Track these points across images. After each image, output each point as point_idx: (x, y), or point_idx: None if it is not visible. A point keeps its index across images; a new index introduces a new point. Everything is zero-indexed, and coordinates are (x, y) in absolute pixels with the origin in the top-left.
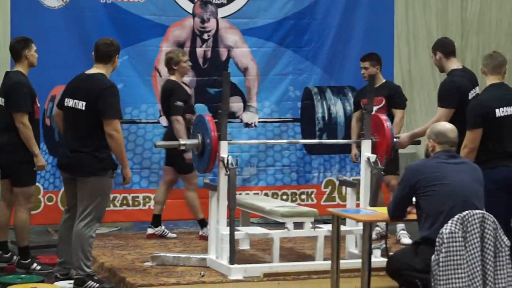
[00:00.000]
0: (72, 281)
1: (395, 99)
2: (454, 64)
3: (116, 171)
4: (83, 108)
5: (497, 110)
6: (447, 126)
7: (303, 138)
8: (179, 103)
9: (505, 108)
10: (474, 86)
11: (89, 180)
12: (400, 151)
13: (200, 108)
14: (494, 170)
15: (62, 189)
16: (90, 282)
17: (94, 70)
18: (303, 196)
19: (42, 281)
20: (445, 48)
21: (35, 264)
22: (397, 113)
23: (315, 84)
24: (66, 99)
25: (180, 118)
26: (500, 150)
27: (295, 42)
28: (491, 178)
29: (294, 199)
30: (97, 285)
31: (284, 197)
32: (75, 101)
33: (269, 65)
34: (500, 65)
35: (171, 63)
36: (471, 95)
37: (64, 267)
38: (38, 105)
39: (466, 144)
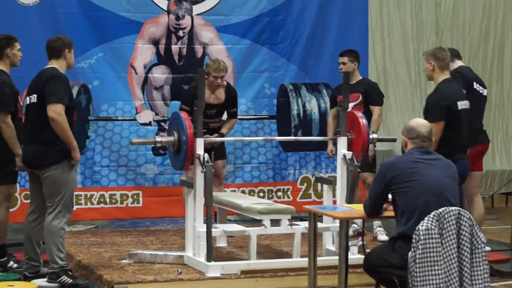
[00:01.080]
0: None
1: (372, 96)
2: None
3: (73, 161)
4: (35, 101)
5: (458, 103)
6: (418, 121)
7: (279, 135)
8: None
9: (463, 101)
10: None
11: (49, 173)
12: (377, 148)
13: (176, 105)
14: (456, 163)
15: None
16: (64, 277)
17: (46, 66)
18: (279, 193)
19: (19, 279)
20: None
21: (11, 262)
22: (375, 110)
23: (290, 81)
24: (26, 99)
25: None
26: (459, 143)
27: (270, 39)
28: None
29: (270, 196)
30: (71, 280)
31: (261, 194)
32: (30, 96)
33: (244, 62)
34: (450, 60)
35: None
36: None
37: (32, 264)
38: (22, 103)
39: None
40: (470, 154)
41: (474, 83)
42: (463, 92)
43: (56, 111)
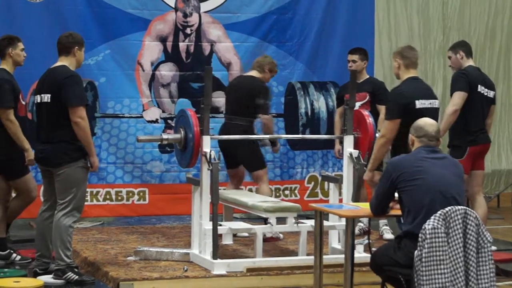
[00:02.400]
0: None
1: (379, 95)
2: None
3: (87, 161)
4: (49, 101)
5: (417, 102)
6: (426, 121)
7: (287, 133)
8: None
9: (423, 100)
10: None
11: (63, 171)
12: None
13: (183, 103)
14: None
15: None
16: (70, 273)
17: (57, 63)
18: (287, 192)
19: (25, 275)
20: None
21: (14, 255)
22: (382, 109)
23: (298, 79)
24: (36, 97)
25: None
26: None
27: (278, 37)
28: None
29: (278, 194)
30: (76, 277)
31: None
32: (42, 95)
33: (252, 60)
34: (417, 59)
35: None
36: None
37: (43, 261)
38: (23, 102)
39: (384, 134)
40: (470, 154)
41: (479, 85)
42: (429, 91)
43: (80, 115)
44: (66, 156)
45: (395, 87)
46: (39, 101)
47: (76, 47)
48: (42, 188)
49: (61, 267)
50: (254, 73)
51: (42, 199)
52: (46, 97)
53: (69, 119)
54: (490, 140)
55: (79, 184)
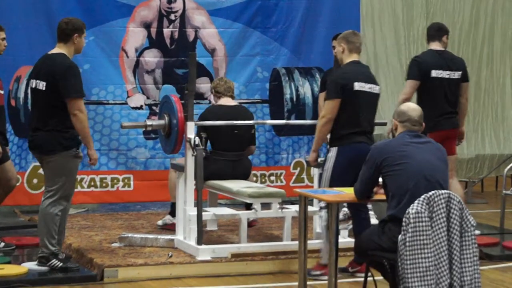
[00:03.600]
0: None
1: None
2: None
3: (79, 151)
4: (43, 88)
5: (355, 83)
6: (409, 106)
7: (272, 119)
8: None
9: (362, 83)
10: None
11: (53, 159)
12: None
13: (168, 89)
14: (348, 146)
15: (28, 170)
16: (54, 260)
17: (55, 50)
18: (272, 178)
19: (9, 262)
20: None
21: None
22: None
23: (283, 65)
24: (31, 81)
25: None
26: (355, 126)
27: (262, 23)
28: (345, 154)
29: (263, 180)
30: (61, 264)
31: (254, 178)
32: (37, 81)
33: (236, 46)
34: (361, 44)
35: None
36: None
37: None
38: (1, 92)
39: (324, 114)
40: (435, 139)
41: (434, 70)
42: (370, 76)
43: (78, 107)
44: (58, 144)
45: (335, 69)
46: (33, 86)
47: (76, 34)
48: (30, 176)
49: (45, 254)
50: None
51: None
52: (41, 85)
53: (63, 108)
54: (457, 125)
55: (69, 173)
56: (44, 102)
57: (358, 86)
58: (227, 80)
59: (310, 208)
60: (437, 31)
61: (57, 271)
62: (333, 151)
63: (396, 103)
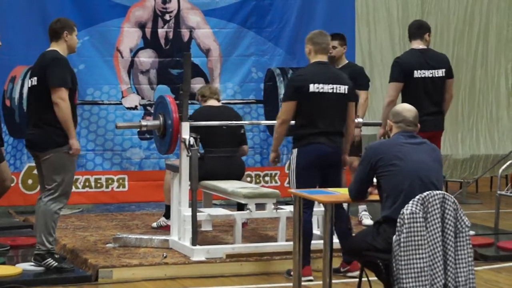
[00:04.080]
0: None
1: (358, 80)
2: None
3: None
4: (36, 83)
5: (311, 85)
6: (404, 106)
7: (266, 119)
8: None
9: (321, 85)
10: None
11: (48, 156)
12: (362, 132)
13: (163, 90)
14: (307, 147)
15: (23, 171)
16: (49, 259)
17: (48, 49)
18: (267, 178)
19: (4, 263)
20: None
21: None
22: (361, 94)
23: (277, 65)
24: (28, 81)
25: None
26: (313, 127)
27: (257, 23)
28: (304, 155)
29: (258, 181)
30: (56, 263)
31: (248, 179)
32: (31, 79)
33: (231, 46)
34: (328, 45)
35: None
36: None
37: None
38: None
39: (279, 115)
40: None
41: (416, 71)
42: (331, 76)
43: (60, 96)
44: (51, 141)
45: (297, 71)
46: (29, 85)
47: (66, 32)
48: (24, 177)
49: (41, 252)
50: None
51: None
52: (34, 80)
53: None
54: (442, 126)
55: (66, 169)
56: (37, 98)
57: (314, 87)
58: (211, 86)
59: None
60: (417, 29)
61: (51, 271)
62: (294, 153)
63: (383, 106)
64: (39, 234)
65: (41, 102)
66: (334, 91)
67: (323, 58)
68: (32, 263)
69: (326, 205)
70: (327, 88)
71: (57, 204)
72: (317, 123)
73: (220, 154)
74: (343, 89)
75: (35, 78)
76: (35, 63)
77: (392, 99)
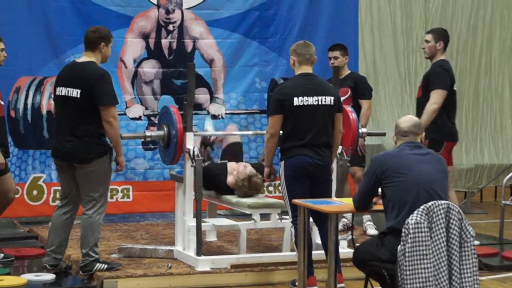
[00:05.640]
0: (39, 274)
1: (360, 89)
2: None
3: (113, 157)
4: (78, 96)
5: (295, 98)
6: (404, 118)
7: None
8: None
9: (305, 97)
10: None
11: (91, 167)
12: (366, 142)
13: (166, 100)
14: (292, 159)
15: (28, 182)
16: (97, 265)
17: (83, 58)
18: (271, 188)
19: (9, 273)
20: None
21: None
22: (364, 103)
23: (281, 75)
24: (58, 88)
25: None
26: (298, 140)
27: (260, 33)
28: (290, 167)
29: (261, 191)
30: (106, 265)
31: None
32: (68, 89)
33: (235, 56)
34: (312, 55)
35: None
36: None
37: (53, 257)
38: (2, 103)
39: (267, 130)
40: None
41: (295, 98)
42: (316, 89)
43: (112, 114)
44: (94, 152)
45: (280, 84)
46: (63, 93)
47: (103, 43)
48: (30, 188)
49: (87, 262)
50: None
51: (59, 195)
52: (75, 92)
53: (96, 115)
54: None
55: (108, 179)
56: (77, 110)
57: (298, 101)
58: None
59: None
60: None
61: (54, 283)
62: (282, 165)
63: (428, 112)
64: (86, 247)
65: (82, 115)
66: (320, 103)
67: (307, 69)
68: (38, 274)
69: (331, 215)
70: (311, 100)
71: (101, 215)
72: (302, 136)
73: None
74: (329, 100)
75: (77, 90)
76: (67, 70)
77: (438, 106)
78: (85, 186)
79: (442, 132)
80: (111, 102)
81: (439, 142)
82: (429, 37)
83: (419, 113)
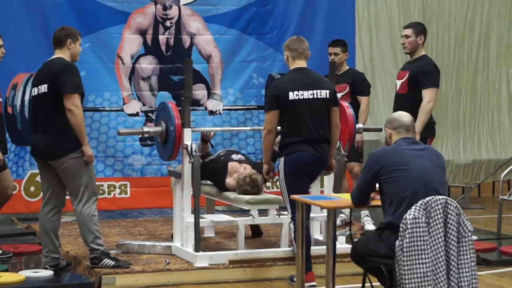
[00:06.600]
0: (37, 270)
1: (359, 86)
2: None
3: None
4: (46, 90)
5: (290, 93)
6: (400, 113)
7: None
8: None
9: (300, 91)
10: None
11: (67, 163)
12: (364, 138)
13: (164, 96)
14: (292, 155)
15: (26, 178)
16: (105, 260)
17: (53, 57)
18: (269, 184)
19: (7, 270)
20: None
21: None
22: (363, 100)
23: (278, 71)
24: (32, 90)
25: None
26: (297, 135)
27: (258, 29)
28: (290, 163)
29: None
30: (113, 262)
31: None
32: (39, 87)
33: (232, 52)
34: (305, 50)
35: None
36: None
37: (52, 257)
38: (0, 99)
39: (264, 126)
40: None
41: (290, 93)
42: (311, 83)
43: (74, 102)
44: (64, 147)
45: (276, 79)
46: (35, 93)
47: (69, 40)
48: (27, 184)
49: (96, 255)
50: None
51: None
52: (43, 87)
53: (64, 108)
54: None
55: (87, 170)
56: (47, 105)
57: (294, 95)
58: None
59: None
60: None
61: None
62: (281, 161)
63: (425, 111)
64: (87, 242)
65: (52, 109)
66: (315, 96)
67: (301, 63)
68: (36, 271)
69: (329, 211)
70: (307, 94)
71: (91, 207)
72: (300, 131)
73: None
74: (324, 93)
75: (45, 85)
76: (39, 70)
77: (434, 104)
78: (67, 182)
79: (426, 128)
80: (72, 90)
81: (424, 139)
82: (409, 31)
83: (399, 109)
